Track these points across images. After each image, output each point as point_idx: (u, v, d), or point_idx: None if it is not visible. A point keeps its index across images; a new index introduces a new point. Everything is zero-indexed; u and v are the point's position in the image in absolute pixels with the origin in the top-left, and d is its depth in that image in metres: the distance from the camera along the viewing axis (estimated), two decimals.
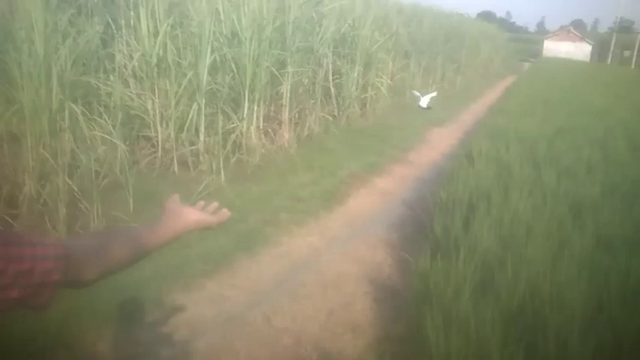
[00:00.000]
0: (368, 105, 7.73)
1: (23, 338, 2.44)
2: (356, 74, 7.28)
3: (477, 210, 4.00)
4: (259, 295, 3.16)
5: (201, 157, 4.71)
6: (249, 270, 3.40)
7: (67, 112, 3.64)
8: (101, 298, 2.85)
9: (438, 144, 7.18)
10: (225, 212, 1.12)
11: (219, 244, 3.58)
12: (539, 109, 8.06)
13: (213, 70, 5.04)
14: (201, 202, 1.13)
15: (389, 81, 8.31)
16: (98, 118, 3.99)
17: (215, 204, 1.13)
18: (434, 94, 6.48)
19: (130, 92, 4.70)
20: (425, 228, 4.02)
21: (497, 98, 11.53)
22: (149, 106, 4.67)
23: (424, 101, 5.15)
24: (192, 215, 1.07)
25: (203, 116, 4.78)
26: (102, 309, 2.75)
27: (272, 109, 5.75)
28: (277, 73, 5.56)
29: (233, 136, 4.98)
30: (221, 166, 4.61)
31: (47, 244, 0.80)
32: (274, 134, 5.66)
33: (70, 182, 3.47)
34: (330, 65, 6.78)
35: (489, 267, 3.14)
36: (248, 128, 5.21)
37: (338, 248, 3.90)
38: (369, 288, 3.45)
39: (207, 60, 4.73)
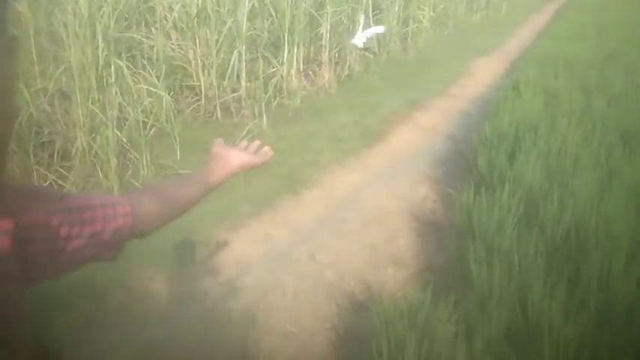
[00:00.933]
0: (409, 39, 7.55)
1: (81, 278, 2.65)
2: (397, 8, 7.09)
3: (522, 142, 3.94)
4: (303, 234, 3.29)
5: (243, 103, 4.80)
6: (293, 210, 3.52)
7: (112, 67, 3.77)
8: (154, 239, 3.05)
9: (483, 75, 6.98)
10: (267, 151, 1.18)
11: (264, 186, 3.70)
12: (590, 33, 7.64)
13: (252, 15, 5.05)
14: (244, 142, 1.18)
15: (431, 13, 8.05)
16: (142, 72, 4.12)
17: (257, 143, 1.18)
18: (379, 29, 4.61)
19: (172, 44, 4.79)
20: (469, 162, 4.01)
21: (546, 22, 10.97)
22: (191, 56, 4.76)
23: (359, 38, 3.09)
24: (237, 157, 1.12)
25: (244, 62, 4.83)
26: (155, 250, 2.94)
27: (312, 50, 5.73)
28: (316, 14, 5.50)
29: (274, 80, 5.03)
30: (263, 110, 4.69)
31: (115, 204, 0.86)
32: (314, 76, 5.67)
33: (119, 134, 3.64)
34: (370, 1, 6.62)
35: (534, 200, 3.13)
36: (288, 71, 5.23)
37: (380, 185, 3.97)
38: (412, 223, 3.52)
39: (246, 6, 4.75)
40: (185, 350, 2.34)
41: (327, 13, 5.65)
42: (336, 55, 6.07)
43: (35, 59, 3.62)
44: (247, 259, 3.03)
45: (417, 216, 3.59)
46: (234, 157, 1.12)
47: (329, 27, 5.70)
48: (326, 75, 5.75)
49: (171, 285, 2.76)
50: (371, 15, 6.67)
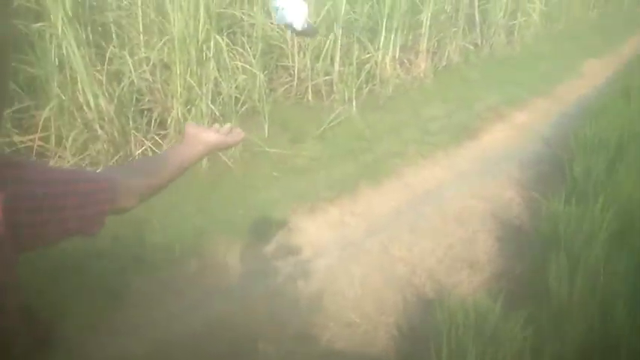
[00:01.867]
0: (516, 32, 7.18)
1: (158, 246, 2.80)
2: (504, 0, 6.76)
3: (625, 152, 3.67)
4: (379, 224, 3.26)
5: (334, 87, 4.80)
6: (372, 199, 3.50)
7: (212, 42, 3.88)
8: (232, 212, 3.16)
9: (592, 77, 6.52)
10: (239, 132, 1.22)
11: (345, 172, 3.70)
12: None
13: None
14: (217, 125, 1.21)
15: (542, 6, 7.59)
16: (240, 49, 4.21)
17: (228, 125, 1.22)
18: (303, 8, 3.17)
19: (272, 23, 4.86)
20: (562, 168, 3.79)
21: None
22: (288, 37, 4.81)
23: (298, 20, 2.21)
24: (210, 137, 1.16)
25: (339, 46, 4.82)
26: (233, 224, 3.04)
27: (410, 38, 5.60)
28: (417, 1, 5.37)
29: (367, 66, 4.98)
30: (353, 95, 4.67)
31: (97, 179, 0.90)
32: (410, 64, 5.54)
33: (213, 107, 3.77)
34: None
35: (630, 216, 2.92)
36: (383, 58, 5.16)
37: (465, 183, 3.84)
38: (493, 225, 3.39)
39: None
40: (249, 324, 2.41)
41: (429, 0, 5.50)
42: (435, 44, 5.89)
43: (141, 29, 3.80)
44: (321, 243, 3.06)
45: (499, 219, 3.45)
46: (206, 136, 1.16)
47: (430, 15, 5.54)
48: (422, 64, 5.61)
49: (244, 259, 2.85)
50: (477, 5, 6.41)
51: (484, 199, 3.65)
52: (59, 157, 3.37)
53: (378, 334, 2.46)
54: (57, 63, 3.40)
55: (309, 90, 4.76)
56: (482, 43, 6.61)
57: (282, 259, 2.87)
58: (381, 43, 5.13)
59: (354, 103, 4.65)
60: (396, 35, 5.24)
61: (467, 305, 2.27)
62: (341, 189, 3.52)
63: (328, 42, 4.72)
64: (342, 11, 4.72)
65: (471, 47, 6.37)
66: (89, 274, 2.63)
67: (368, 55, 5.05)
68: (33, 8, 3.39)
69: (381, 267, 2.91)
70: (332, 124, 4.34)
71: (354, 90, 4.71)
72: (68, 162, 3.33)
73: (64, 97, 3.36)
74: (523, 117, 5.16)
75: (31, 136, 3.32)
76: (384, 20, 5.07)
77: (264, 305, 2.55)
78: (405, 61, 5.51)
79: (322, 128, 4.24)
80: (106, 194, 0.89)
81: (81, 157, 3.41)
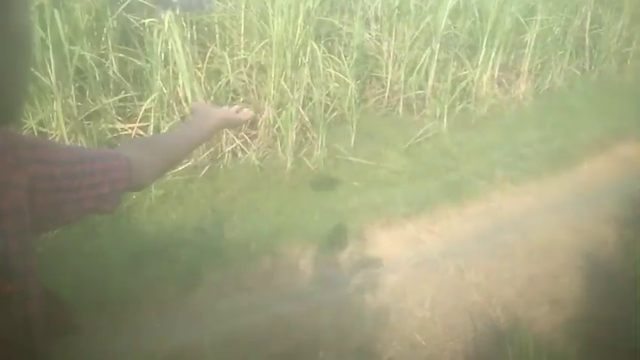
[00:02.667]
0: (629, 61, 6.71)
1: (234, 242, 2.86)
2: (620, 25, 6.34)
3: None
4: (457, 246, 3.15)
5: (426, 102, 4.72)
6: (452, 219, 3.39)
7: (308, 48, 3.95)
8: (309, 217, 3.18)
9: None
10: (248, 112, 1.24)
11: (427, 188, 3.62)
12: None
13: (454, 14, 4.91)
14: (226, 107, 1.24)
15: None
16: (335, 57, 4.25)
17: (238, 106, 1.26)
18: None
19: (369, 33, 4.87)
20: None
21: None
22: (384, 48, 4.80)
23: None
24: (219, 114, 1.18)
25: (435, 61, 4.73)
26: (308, 229, 3.06)
27: (511, 57, 5.40)
28: (523, 20, 5.16)
29: (463, 83, 4.85)
30: (445, 112, 4.56)
31: (113, 157, 0.90)
32: (509, 85, 5.34)
33: (302, 112, 3.82)
34: (589, 13, 6.01)
35: None
36: (481, 76, 5.00)
37: (555, 215, 3.62)
38: (582, 262, 3.17)
39: (449, 4, 4.63)
40: (312, 329, 2.41)
41: (535, 20, 5.27)
42: (539, 66, 5.64)
43: (243, 31, 3.94)
44: (394, 258, 3.00)
45: (590, 257, 3.21)
46: (215, 113, 1.18)
47: (535, 35, 5.31)
48: (522, 86, 5.38)
49: (316, 265, 2.85)
50: (588, 29, 6.06)
51: (576, 233, 3.42)
52: None
53: None
54: (162, 58, 3.60)
55: (401, 103, 4.71)
56: (590, 68, 6.24)
57: (353, 270, 2.85)
58: (480, 61, 4.98)
59: (445, 120, 4.55)
60: (496, 54, 5.07)
61: (541, 344, 2.13)
62: (421, 206, 3.45)
63: (424, 56, 4.65)
64: (442, 26, 4.64)
65: (578, 72, 6.03)
66: (168, 261, 2.74)
67: (465, 72, 4.93)
68: (145, 4, 3.61)
69: (454, 291, 2.80)
70: (420, 139, 4.27)
71: (447, 106, 4.60)
72: None
73: (165, 91, 3.54)
74: (629, 151, 4.80)
75: (132, 125, 3.53)
76: (486, 37, 4.92)
77: (329, 313, 2.54)
78: (504, 81, 5.32)
79: (409, 142, 4.18)
80: (122, 172, 0.89)
81: None
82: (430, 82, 4.74)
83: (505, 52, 5.23)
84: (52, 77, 3.08)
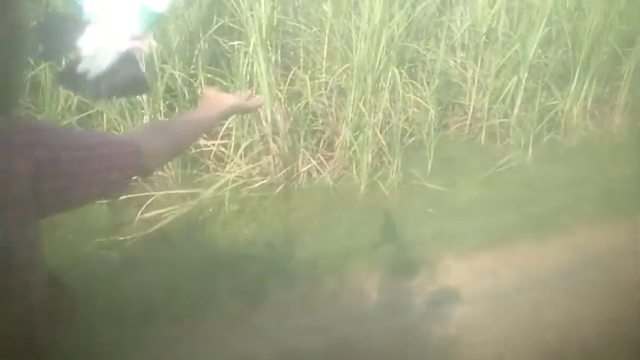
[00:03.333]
0: None
1: (303, 261, 2.87)
2: None
3: None
4: (535, 282, 2.98)
5: (511, 131, 4.56)
6: (531, 254, 3.22)
7: (390, 73, 3.96)
8: (381, 242, 3.14)
9: None
10: (259, 99, 1.25)
11: (506, 220, 3.47)
12: None
13: (545, 43, 4.75)
14: (238, 92, 1.24)
15: None
16: (416, 82, 4.23)
17: (249, 92, 1.24)
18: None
19: (454, 60, 4.81)
20: None
21: None
22: (469, 75, 4.71)
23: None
24: (229, 100, 1.16)
25: (522, 89, 4.58)
26: (378, 253, 3.02)
27: (606, 90, 5.12)
28: (620, 51, 4.89)
29: (552, 113, 4.65)
30: (530, 142, 4.38)
31: (121, 142, 0.89)
32: (602, 117, 5.05)
33: (380, 136, 3.81)
34: None
35: None
36: (571, 107, 4.77)
37: None
38: None
39: (540, 32, 4.49)
40: (374, 356, 2.36)
41: (635, 50, 4.97)
42: (636, 100, 5.29)
43: (325, 55, 4.02)
44: (466, 289, 2.89)
45: None
46: (225, 99, 1.16)
47: (633, 67, 5.00)
48: (617, 119, 5.07)
49: (382, 290, 2.80)
50: None
51: None
52: (235, 163, 3.67)
53: None
54: (247, 79, 3.74)
55: (483, 131, 4.59)
56: None
57: (421, 298, 2.77)
58: (572, 91, 4.76)
59: (529, 150, 4.36)
60: (589, 85, 4.83)
61: None
62: (498, 237, 3.30)
63: (511, 84, 4.51)
64: (531, 54, 4.49)
65: None
66: (237, 275, 2.80)
67: (554, 102, 4.72)
68: (235, 28, 3.79)
69: (528, 328, 2.65)
70: (501, 168, 4.12)
71: (532, 136, 4.42)
72: (241, 168, 3.61)
73: None
74: None
75: (214, 142, 3.68)
76: (578, 68, 4.71)
77: (393, 340, 2.47)
78: (597, 113, 5.04)
79: (490, 171, 4.04)
80: (129, 158, 0.89)
81: (252, 165, 3.68)
82: (516, 111, 4.58)
83: (600, 83, 4.97)
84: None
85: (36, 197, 0.69)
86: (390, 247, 3.12)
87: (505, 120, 4.58)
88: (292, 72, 3.89)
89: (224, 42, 3.77)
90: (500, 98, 4.54)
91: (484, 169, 4.06)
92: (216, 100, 1.15)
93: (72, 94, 3.32)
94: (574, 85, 4.75)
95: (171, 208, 3.22)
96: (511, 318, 2.72)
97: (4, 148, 0.65)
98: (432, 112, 4.06)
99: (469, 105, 4.63)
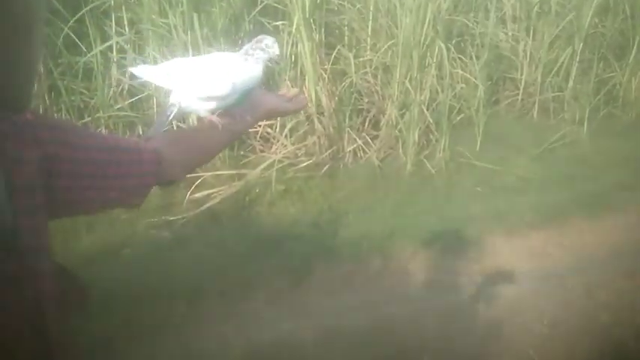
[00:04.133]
0: None
1: (347, 240, 2.88)
2: None
3: None
4: (587, 262, 2.89)
5: (565, 105, 4.39)
6: (584, 233, 3.11)
7: (436, 49, 3.86)
8: (426, 221, 3.11)
9: None
10: (303, 99, 1.10)
11: (559, 198, 3.36)
12: None
13: (602, 11, 4.51)
14: (283, 90, 1.11)
15: None
16: (464, 57, 4.12)
17: (296, 90, 1.09)
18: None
19: (505, 33, 4.65)
20: None
21: None
22: (520, 48, 4.55)
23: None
24: (267, 104, 1.04)
25: (577, 62, 4.38)
26: (424, 232, 2.99)
27: None
28: None
29: (609, 85, 4.44)
30: (586, 116, 4.20)
31: (142, 149, 0.85)
32: None
33: (427, 113, 3.75)
34: None
35: None
36: (630, 79, 4.54)
37: None
38: None
39: (596, 0, 4.27)
40: (417, 334, 2.36)
41: None
42: None
43: (370, 32, 3.95)
44: (514, 269, 2.82)
45: None
46: (263, 102, 1.03)
47: None
48: None
49: (428, 269, 2.78)
50: None
51: None
52: (281, 144, 3.70)
53: None
54: (292, 59, 3.74)
55: (536, 106, 4.44)
56: None
57: (468, 277, 2.73)
58: (630, 62, 4.52)
59: (585, 125, 4.19)
60: None
61: None
62: (550, 216, 3.21)
63: (564, 56, 4.33)
64: (587, 24, 4.28)
65: None
66: (283, 253, 2.84)
67: (611, 74, 4.50)
68: (279, 8, 3.78)
69: (579, 310, 2.58)
70: (555, 144, 3.98)
71: (588, 110, 4.24)
72: (287, 149, 3.64)
73: None
74: None
75: (259, 123, 3.71)
76: (638, 37, 4.46)
77: (438, 319, 2.46)
78: None
79: (542, 148, 3.91)
80: (150, 166, 0.85)
81: (298, 146, 3.70)
82: (570, 84, 4.40)
83: None
84: None
85: (48, 191, 0.68)
86: (437, 226, 3.08)
87: (559, 94, 4.41)
88: (336, 50, 3.85)
89: (268, 22, 3.77)
90: (554, 71, 4.36)
91: (536, 146, 3.93)
92: (253, 103, 1.03)
93: (123, 78, 3.45)
94: (633, 55, 4.51)
95: (219, 188, 3.29)
96: (561, 299, 2.65)
97: (18, 138, 0.64)
98: (481, 87, 3.95)
99: (521, 79, 4.48)
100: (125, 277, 2.57)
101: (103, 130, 3.24)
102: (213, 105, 0.96)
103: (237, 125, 1.01)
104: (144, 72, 0.97)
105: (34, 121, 0.68)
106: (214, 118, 0.97)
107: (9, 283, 0.61)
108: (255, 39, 0.96)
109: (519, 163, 3.77)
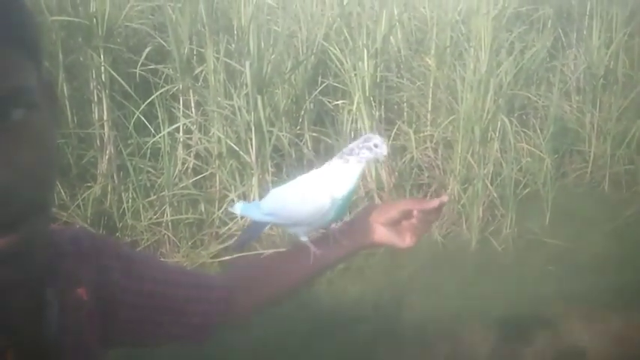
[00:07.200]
0: None
1: (412, 323, 2.74)
2: None
3: None
4: None
5: (638, 178, 4.17)
6: None
7: (499, 123, 3.82)
8: (495, 302, 2.94)
9: None
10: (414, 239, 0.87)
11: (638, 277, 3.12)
12: None
13: None
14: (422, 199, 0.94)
15: None
16: (527, 130, 4.04)
17: (435, 202, 0.87)
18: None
19: (570, 105, 4.56)
20: None
21: None
22: (587, 120, 4.44)
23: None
24: (379, 237, 0.86)
25: None
26: (492, 315, 2.82)
27: None
28: None
29: None
30: None
31: (212, 286, 0.81)
32: None
33: (491, 188, 3.64)
34: None
35: None
36: None
37: None
38: None
39: None
40: None
41: None
42: None
43: (430, 108, 3.97)
44: (595, 356, 2.60)
45: None
46: (377, 235, 0.85)
47: None
48: None
49: (499, 356, 2.60)
50: None
51: None
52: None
53: None
54: (352, 135, 3.77)
55: (607, 179, 4.25)
56: None
57: None
58: None
59: None
60: None
61: None
62: (631, 297, 2.96)
63: (635, 128, 4.17)
64: None
65: None
66: (342, 336, 2.74)
67: None
68: (339, 87, 3.87)
69: None
70: (630, 219, 3.75)
71: None
72: None
73: None
74: None
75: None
76: None
77: None
78: None
79: (617, 222, 3.69)
80: (217, 305, 0.80)
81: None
82: None
83: None
84: (253, 155, 3.41)
85: (105, 318, 0.66)
86: (507, 308, 2.91)
87: (631, 166, 4.21)
88: (396, 126, 3.87)
89: (328, 102, 3.85)
90: (625, 143, 4.19)
91: (610, 221, 3.71)
92: (363, 231, 0.85)
93: (188, 158, 3.57)
94: None
95: None
96: None
97: (80, 259, 0.64)
98: (548, 160, 3.83)
99: (589, 152, 4.33)
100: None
101: (167, 210, 3.31)
102: (312, 225, 0.86)
103: (330, 253, 0.85)
104: (244, 210, 0.94)
105: (100, 246, 0.68)
106: (310, 244, 0.85)
107: None
108: (363, 137, 0.86)
109: (593, 239, 3.56)
